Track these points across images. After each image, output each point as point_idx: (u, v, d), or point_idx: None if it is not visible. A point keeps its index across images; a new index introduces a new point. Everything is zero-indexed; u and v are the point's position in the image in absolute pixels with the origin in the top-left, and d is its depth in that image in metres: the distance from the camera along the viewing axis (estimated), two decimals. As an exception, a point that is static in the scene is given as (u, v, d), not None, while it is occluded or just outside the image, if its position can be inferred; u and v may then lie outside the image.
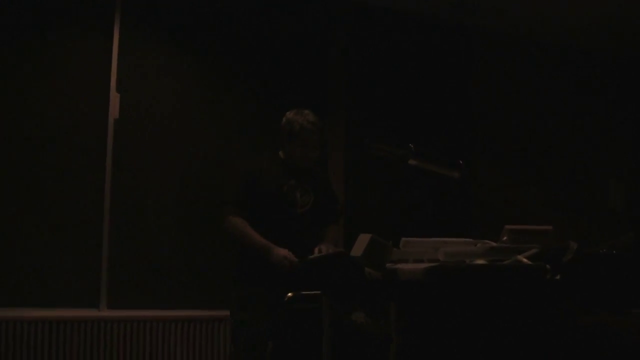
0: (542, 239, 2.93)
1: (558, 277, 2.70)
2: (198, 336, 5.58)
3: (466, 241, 2.96)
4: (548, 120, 7.58)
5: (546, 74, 7.62)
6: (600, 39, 7.47)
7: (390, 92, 6.71)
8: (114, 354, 5.31)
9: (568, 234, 3.06)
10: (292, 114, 4.47)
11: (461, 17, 6.91)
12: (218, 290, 5.49)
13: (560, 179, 7.57)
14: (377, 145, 3.31)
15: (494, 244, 2.90)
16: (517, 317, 2.77)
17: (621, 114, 8.02)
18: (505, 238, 2.94)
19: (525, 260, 2.76)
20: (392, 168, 3.40)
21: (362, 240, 2.69)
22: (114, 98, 5.58)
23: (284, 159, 4.51)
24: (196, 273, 5.69)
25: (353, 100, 6.54)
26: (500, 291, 2.69)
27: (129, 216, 5.57)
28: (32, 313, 5.12)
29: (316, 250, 4.26)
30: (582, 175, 7.69)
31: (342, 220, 4.97)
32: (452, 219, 6.77)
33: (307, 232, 4.43)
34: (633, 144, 8.01)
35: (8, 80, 5.36)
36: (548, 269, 2.69)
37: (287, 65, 6.28)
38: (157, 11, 5.82)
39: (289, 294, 3.79)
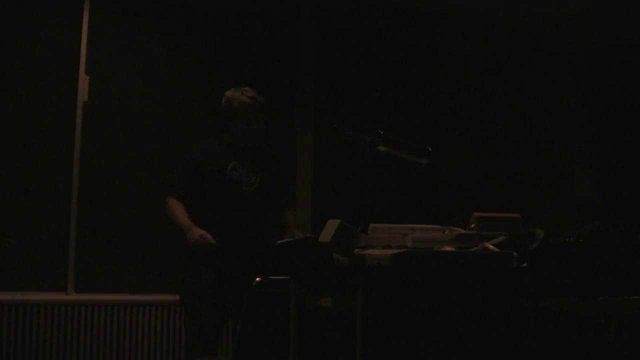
0: (509, 226, 2.94)
1: (525, 264, 2.72)
2: (165, 320, 5.57)
3: (434, 228, 2.97)
4: (516, 107, 7.62)
5: (514, 62, 7.66)
6: (570, 27, 7.51)
7: (359, 77, 6.72)
8: (81, 337, 5.30)
9: (535, 221, 3.08)
10: (231, 92, 4.50)
11: (431, 3, 6.92)
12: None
13: (528, 167, 7.61)
14: (346, 131, 3.30)
15: (462, 231, 2.91)
16: (484, 303, 2.78)
17: (589, 102, 8.07)
18: (473, 225, 2.95)
19: (492, 247, 2.77)
20: (361, 154, 3.40)
21: (331, 226, 2.68)
22: (83, 80, 5.54)
23: (229, 139, 4.50)
24: (163, 257, 5.68)
25: (323, 85, 6.54)
26: (467, 278, 2.70)
27: (97, 200, 5.55)
28: (-1, 296, 5.11)
29: (287, 236, 4.28)
30: (550, 163, 7.74)
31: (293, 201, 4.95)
32: (421, 205, 6.80)
33: (255, 211, 4.42)
34: (600, 132, 8.07)
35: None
36: (515, 256, 2.70)
37: (258, 49, 6.26)
38: (127, -7, 5.79)
39: (257, 279, 3.79)
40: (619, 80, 7.97)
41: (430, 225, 2.99)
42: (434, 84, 7.16)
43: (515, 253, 2.71)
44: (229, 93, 4.49)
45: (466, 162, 7.26)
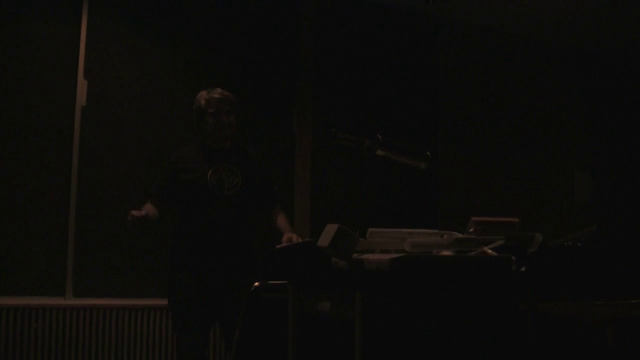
0: (508, 230, 2.94)
1: (523, 268, 2.72)
2: (163, 324, 5.56)
3: (433, 232, 2.96)
4: (514, 111, 7.62)
5: (512, 65, 7.66)
6: (568, 32, 7.52)
7: (358, 81, 6.73)
8: (79, 342, 5.30)
9: (534, 225, 3.08)
10: (198, 96, 4.48)
11: (430, 7, 6.93)
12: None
13: (527, 171, 7.62)
14: (345, 135, 3.30)
15: (460, 235, 2.91)
16: (482, 308, 2.78)
17: (587, 106, 8.08)
18: (471, 229, 2.95)
19: (491, 251, 2.77)
20: (359, 158, 3.40)
21: (329, 230, 2.68)
22: (82, 85, 5.55)
23: (205, 142, 4.50)
24: (161, 262, 5.66)
25: (321, 88, 6.54)
26: (466, 282, 2.70)
27: (95, 204, 5.54)
28: (-3, 301, 5.10)
29: (285, 239, 4.27)
30: (548, 167, 7.74)
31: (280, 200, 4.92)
32: (419, 209, 6.80)
33: (239, 214, 4.41)
34: (599, 136, 8.07)
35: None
36: (513, 260, 2.70)
37: (256, 52, 6.27)
38: (125, -2, 5.80)
39: (256, 283, 3.78)
40: (618, 83, 7.98)
41: (429, 230, 2.99)
42: (432, 88, 7.17)
43: (513, 257, 2.71)
44: (197, 96, 4.51)
45: (464, 166, 7.26)
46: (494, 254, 2.77)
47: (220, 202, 4.36)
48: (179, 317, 4.36)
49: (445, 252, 2.79)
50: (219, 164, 4.42)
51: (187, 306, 4.30)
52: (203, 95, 4.46)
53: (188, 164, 4.43)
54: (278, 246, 3.93)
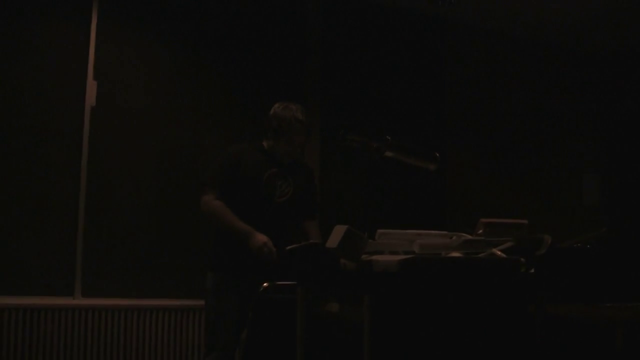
0: (516, 232, 2.94)
1: (532, 270, 2.72)
2: (172, 325, 5.57)
3: (442, 234, 2.96)
4: (523, 113, 7.61)
5: (520, 68, 7.65)
6: (574, 34, 7.50)
7: (366, 83, 6.72)
8: (88, 342, 5.30)
9: (542, 227, 3.07)
10: (281, 109, 4.41)
11: (438, 9, 6.92)
12: (192, 279, 5.49)
13: (535, 173, 7.60)
14: (353, 137, 3.30)
15: (469, 236, 2.90)
16: (491, 309, 2.78)
17: (596, 108, 8.06)
18: (480, 231, 2.95)
19: (500, 253, 2.77)
20: (367, 159, 3.39)
21: (338, 232, 2.68)
22: (91, 85, 5.55)
23: (267, 149, 4.48)
24: (170, 262, 5.68)
25: (329, 90, 6.53)
26: (474, 284, 2.70)
27: (104, 204, 5.55)
28: (6, 300, 5.10)
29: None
30: (557, 169, 7.73)
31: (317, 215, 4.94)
32: (428, 211, 6.79)
33: (283, 222, 4.40)
34: (607, 138, 8.06)
35: (-17, 67, 5.33)
36: (522, 262, 2.70)
37: (264, 55, 6.27)
38: (134, -1, 5.81)
39: (265, 284, 3.78)
40: (626, 85, 7.96)
41: (437, 231, 2.99)
42: (440, 90, 7.16)
43: (522, 259, 2.71)
44: (279, 110, 4.42)
45: (473, 168, 7.25)
46: (503, 255, 2.77)
47: (269, 207, 4.35)
48: (215, 319, 4.33)
49: (454, 254, 2.79)
50: (276, 169, 4.41)
51: (225, 309, 4.28)
52: (286, 117, 4.38)
53: (247, 161, 4.39)
54: (288, 247, 3.93)
